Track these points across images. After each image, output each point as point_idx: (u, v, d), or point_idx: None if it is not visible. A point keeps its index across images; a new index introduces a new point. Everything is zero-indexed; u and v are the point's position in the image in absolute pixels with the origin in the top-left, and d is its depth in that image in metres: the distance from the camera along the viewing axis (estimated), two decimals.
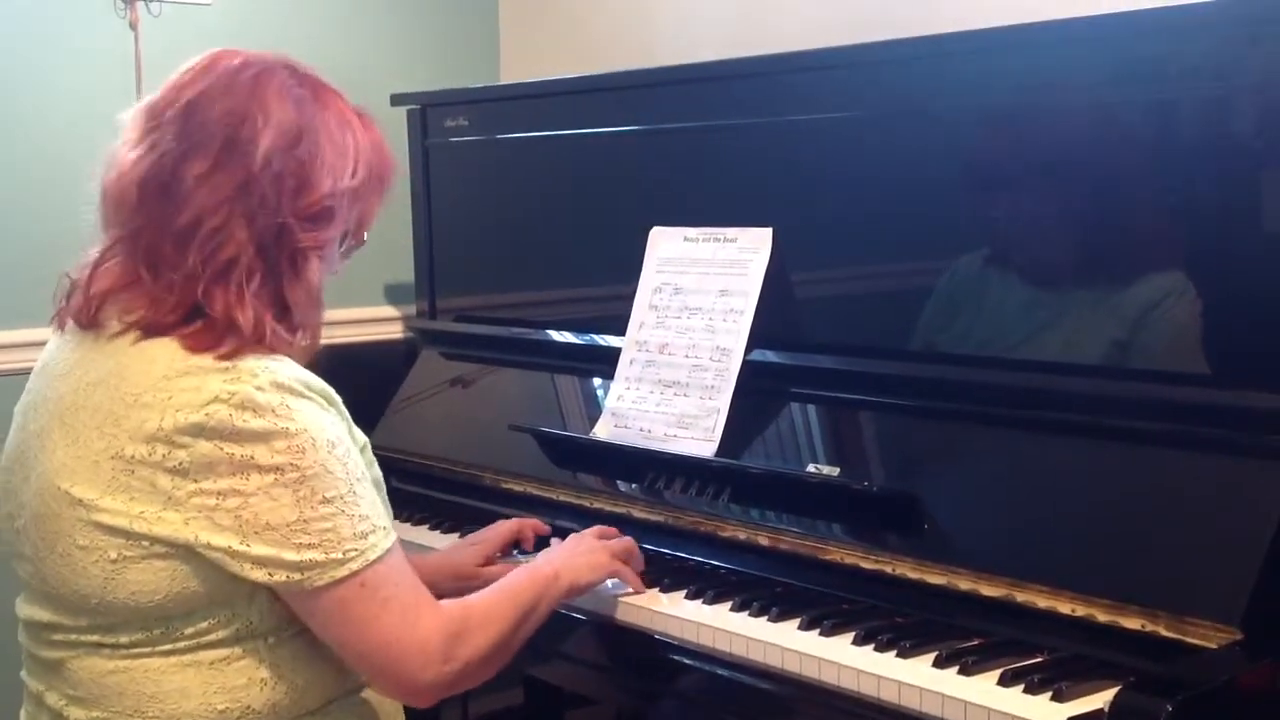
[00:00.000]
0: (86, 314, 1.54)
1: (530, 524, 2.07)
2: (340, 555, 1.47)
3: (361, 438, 1.60)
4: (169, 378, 1.46)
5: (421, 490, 2.38)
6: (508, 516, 2.17)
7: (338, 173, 1.56)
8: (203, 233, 1.49)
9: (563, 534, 2.01)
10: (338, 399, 1.55)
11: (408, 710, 1.72)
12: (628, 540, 1.89)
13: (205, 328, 1.48)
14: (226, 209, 1.49)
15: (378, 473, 1.64)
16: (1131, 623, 1.55)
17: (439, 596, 1.60)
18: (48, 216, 2.53)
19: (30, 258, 2.55)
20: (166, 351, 1.48)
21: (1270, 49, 1.60)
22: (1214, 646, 1.48)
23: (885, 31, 2.02)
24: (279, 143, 1.51)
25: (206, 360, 1.47)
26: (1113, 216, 1.77)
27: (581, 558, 1.79)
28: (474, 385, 2.52)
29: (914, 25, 2.03)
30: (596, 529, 1.91)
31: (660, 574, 1.91)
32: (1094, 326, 1.78)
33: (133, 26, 2.66)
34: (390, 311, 3.03)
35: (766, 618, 1.75)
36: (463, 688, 1.61)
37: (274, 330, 1.50)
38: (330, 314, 1.62)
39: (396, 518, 1.75)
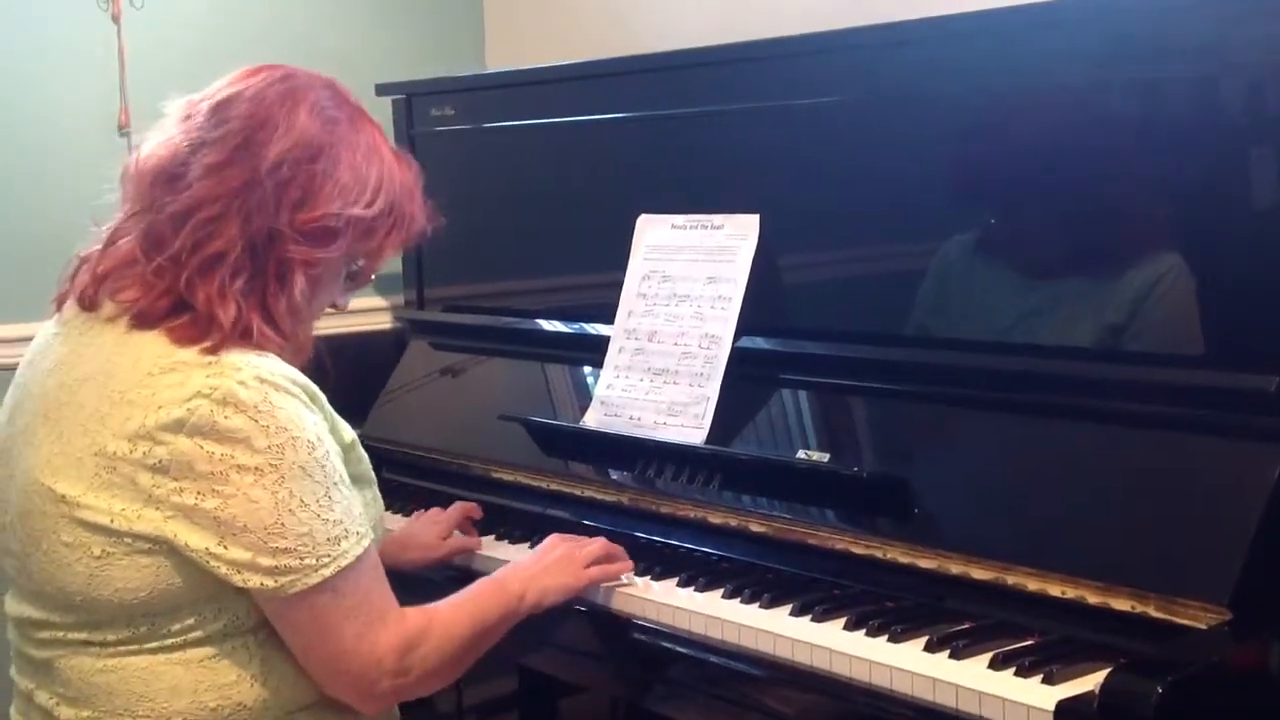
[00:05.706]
0: (89, 295, 1.56)
1: (470, 507, 2.11)
2: (314, 561, 1.47)
3: (349, 433, 1.60)
4: (153, 374, 1.47)
5: (412, 481, 2.37)
6: (498, 506, 2.18)
7: (349, 197, 1.55)
8: (196, 219, 1.50)
9: (554, 523, 2.01)
10: (321, 396, 1.55)
11: (402, 703, 1.72)
12: (602, 546, 1.86)
13: (191, 321, 1.49)
14: (224, 203, 1.50)
15: (367, 468, 1.64)
16: (1122, 604, 1.55)
17: (402, 572, 1.59)
18: (32, 210, 2.52)
19: (14, 251, 2.54)
20: (153, 346, 1.48)
21: (1259, 28, 1.60)
22: (1204, 627, 1.49)
23: (870, 16, 2.01)
24: (293, 152, 1.52)
25: (191, 354, 1.47)
26: (1104, 199, 1.77)
27: (552, 577, 1.77)
28: (463, 375, 2.52)
29: (900, 9, 2.02)
30: (571, 538, 1.88)
31: (651, 562, 1.91)
32: (1084, 309, 1.77)
33: (115, 19, 2.65)
34: (378, 301, 3.02)
35: (758, 604, 1.75)
36: (411, 697, 1.61)
37: (260, 330, 1.51)
38: None
39: (387, 508, 1.74)
